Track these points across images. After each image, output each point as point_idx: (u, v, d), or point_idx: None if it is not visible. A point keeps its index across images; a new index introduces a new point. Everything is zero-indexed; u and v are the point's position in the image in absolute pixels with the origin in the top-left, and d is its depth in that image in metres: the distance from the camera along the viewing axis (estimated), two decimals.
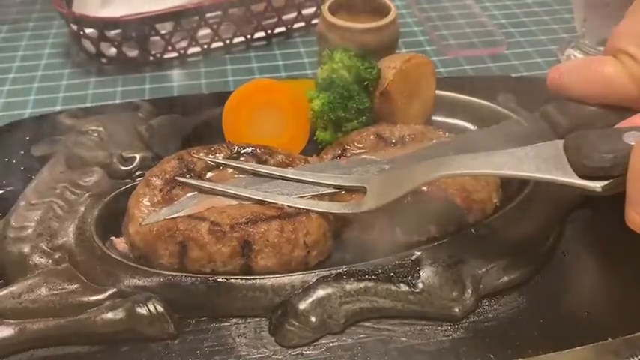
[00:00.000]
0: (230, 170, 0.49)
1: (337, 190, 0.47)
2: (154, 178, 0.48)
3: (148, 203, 0.46)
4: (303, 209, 0.45)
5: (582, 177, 0.37)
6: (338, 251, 0.47)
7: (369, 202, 0.45)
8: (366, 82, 0.54)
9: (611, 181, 0.37)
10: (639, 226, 0.35)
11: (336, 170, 0.49)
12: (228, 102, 0.55)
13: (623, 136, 0.37)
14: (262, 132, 0.54)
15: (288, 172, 0.48)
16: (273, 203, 0.46)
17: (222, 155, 0.50)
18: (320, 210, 0.45)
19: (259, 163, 0.49)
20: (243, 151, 0.50)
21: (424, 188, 0.46)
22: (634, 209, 0.35)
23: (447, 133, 0.53)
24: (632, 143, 0.35)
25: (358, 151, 0.51)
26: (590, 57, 0.51)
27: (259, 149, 0.50)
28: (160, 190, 0.47)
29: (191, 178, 0.48)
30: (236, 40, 0.79)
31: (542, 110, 0.49)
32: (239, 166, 0.49)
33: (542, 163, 0.38)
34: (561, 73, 0.47)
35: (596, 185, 0.37)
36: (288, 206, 0.45)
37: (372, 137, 0.52)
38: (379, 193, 0.44)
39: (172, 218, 0.44)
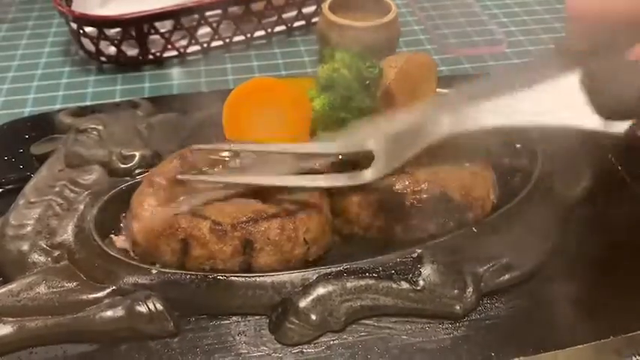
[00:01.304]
0: (232, 166, 0.49)
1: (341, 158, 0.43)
2: (156, 177, 0.47)
3: (152, 202, 0.46)
4: (304, 202, 0.44)
5: (605, 116, 0.33)
6: (338, 249, 0.46)
7: (378, 167, 0.41)
8: (367, 82, 0.54)
9: (634, 122, 0.32)
10: None
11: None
12: (227, 100, 0.54)
13: None
14: (262, 130, 0.54)
15: (289, 147, 0.46)
16: (273, 186, 0.44)
17: (223, 153, 0.50)
18: (322, 185, 0.42)
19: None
20: (243, 148, 0.50)
21: (423, 186, 0.46)
22: None
23: None
24: None
25: None
26: None
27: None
28: (163, 189, 0.46)
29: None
30: (236, 38, 0.79)
31: (556, 42, 0.44)
32: (241, 149, 0.47)
33: (559, 107, 0.34)
34: None
35: (620, 128, 0.32)
36: (289, 201, 0.45)
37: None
38: (389, 156, 0.41)
39: (174, 215, 0.44)
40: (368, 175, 0.41)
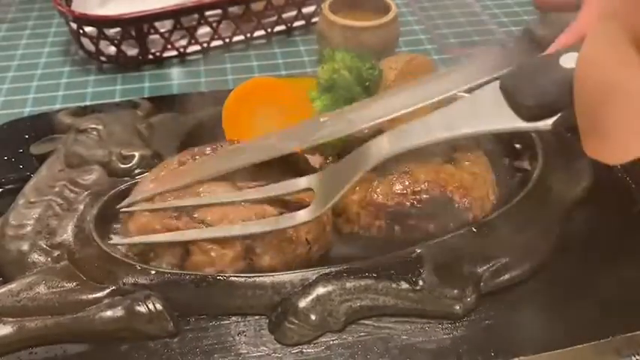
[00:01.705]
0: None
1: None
2: (151, 179, 0.47)
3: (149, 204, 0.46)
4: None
5: (528, 119, 0.33)
6: (338, 249, 0.46)
7: (320, 203, 0.41)
8: (367, 83, 0.54)
9: (559, 115, 0.33)
10: (602, 154, 0.30)
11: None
12: (227, 99, 0.54)
13: (560, 60, 0.32)
14: (262, 130, 0.54)
15: (230, 197, 0.45)
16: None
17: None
18: (252, 232, 0.42)
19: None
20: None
21: (423, 186, 0.46)
22: (590, 137, 0.30)
23: None
24: (572, 67, 0.31)
25: None
26: None
27: None
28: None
29: None
30: (236, 38, 0.79)
31: (524, 29, 0.44)
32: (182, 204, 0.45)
33: (483, 114, 0.34)
34: None
35: (546, 124, 0.33)
36: (289, 201, 0.45)
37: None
38: (327, 190, 0.41)
39: (173, 220, 0.44)
40: (305, 214, 0.42)
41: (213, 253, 0.42)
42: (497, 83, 0.35)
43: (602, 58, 0.29)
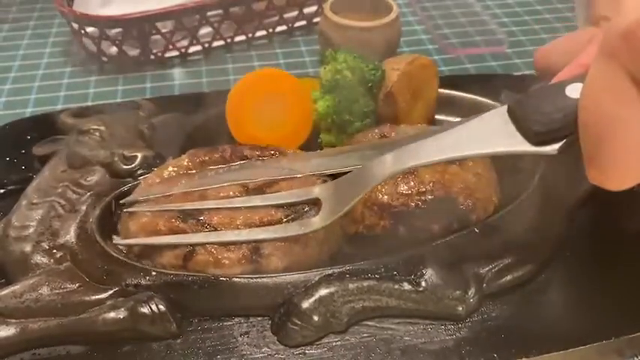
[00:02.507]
0: (245, 169, 0.48)
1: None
2: (157, 179, 0.47)
3: (150, 206, 0.46)
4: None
5: (535, 143, 0.35)
6: (343, 249, 0.46)
7: (327, 214, 0.42)
8: (369, 84, 0.54)
9: (564, 141, 0.34)
10: (603, 182, 0.32)
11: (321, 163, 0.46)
12: (232, 90, 0.55)
13: (566, 90, 0.34)
14: (266, 120, 0.54)
15: (236, 202, 0.45)
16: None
17: (229, 156, 0.50)
18: (262, 238, 0.43)
19: (267, 164, 0.49)
20: (247, 153, 0.50)
21: (428, 187, 0.46)
22: (593, 165, 0.32)
23: None
24: (577, 97, 0.32)
25: None
26: (574, 31, 0.49)
27: (267, 151, 0.50)
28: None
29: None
30: (237, 38, 0.79)
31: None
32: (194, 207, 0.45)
33: (492, 137, 0.36)
34: (547, 51, 0.46)
35: (552, 149, 0.34)
36: (296, 202, 0.45)
37: (377, 138, 0.52)
38: (335, 202, 0.42)
39: (179, 221, 0.44)
40: (316, 223, 0.42)
41: (218, 255, 0.42)
42: (504, 108, 0.37)
43: (602, 95, 0.30)
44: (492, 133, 0.36)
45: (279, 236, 0.43)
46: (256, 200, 0.45)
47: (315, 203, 0.44)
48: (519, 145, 0.35)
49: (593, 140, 0.31)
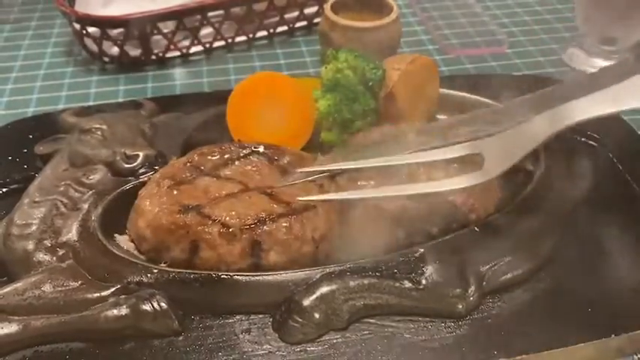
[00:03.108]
0: (248, 167, 0.49)
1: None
2: (165, 180, 0.47)
3: (158, 200, 0.46)
4: (313, 201, 0.45)
5: None
6: (341, 248, 0.47)
7: (491, 168, 0.43)
8: (370, 83, 0.54)
9: None
10: None
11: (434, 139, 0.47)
12: (233, 93, 0.55)
13: None
14: (266, 124, 0.54)
15: (393, 159, 0.47)
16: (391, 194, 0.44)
17: (232, 155, 0.50)
18: (443, 189, 0.44)
19: (270, 163, 0.49)
20: (253, 150, 0.50)
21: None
22: None
23: None
24: None
25: None
26: None
27: (270, 149, 0.50)
28: (170, 189, 0.46)
29: (207, 176, 0.48)
30: (238, 39, 0.79)
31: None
32: (346, 167, 0.47)
33: None
34: None
35: None
36: (298, 200, 0.45)
37: (378, 137, 0.52)
38: (499, 157, 0.43)
39: (182, 215, 0.44)
40: (473, 178, 0.43)
41: (220, 249, 0.43)
42: None
43: None
44: None
45: (430, 191, 0.44)
46: (423, 156, 0.46)
47: None
48: None
49: None
